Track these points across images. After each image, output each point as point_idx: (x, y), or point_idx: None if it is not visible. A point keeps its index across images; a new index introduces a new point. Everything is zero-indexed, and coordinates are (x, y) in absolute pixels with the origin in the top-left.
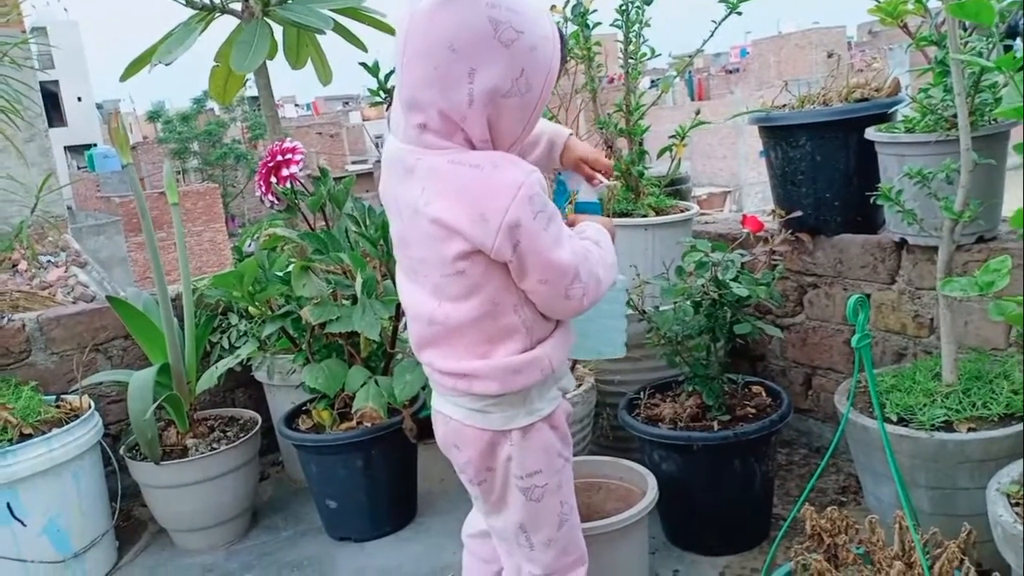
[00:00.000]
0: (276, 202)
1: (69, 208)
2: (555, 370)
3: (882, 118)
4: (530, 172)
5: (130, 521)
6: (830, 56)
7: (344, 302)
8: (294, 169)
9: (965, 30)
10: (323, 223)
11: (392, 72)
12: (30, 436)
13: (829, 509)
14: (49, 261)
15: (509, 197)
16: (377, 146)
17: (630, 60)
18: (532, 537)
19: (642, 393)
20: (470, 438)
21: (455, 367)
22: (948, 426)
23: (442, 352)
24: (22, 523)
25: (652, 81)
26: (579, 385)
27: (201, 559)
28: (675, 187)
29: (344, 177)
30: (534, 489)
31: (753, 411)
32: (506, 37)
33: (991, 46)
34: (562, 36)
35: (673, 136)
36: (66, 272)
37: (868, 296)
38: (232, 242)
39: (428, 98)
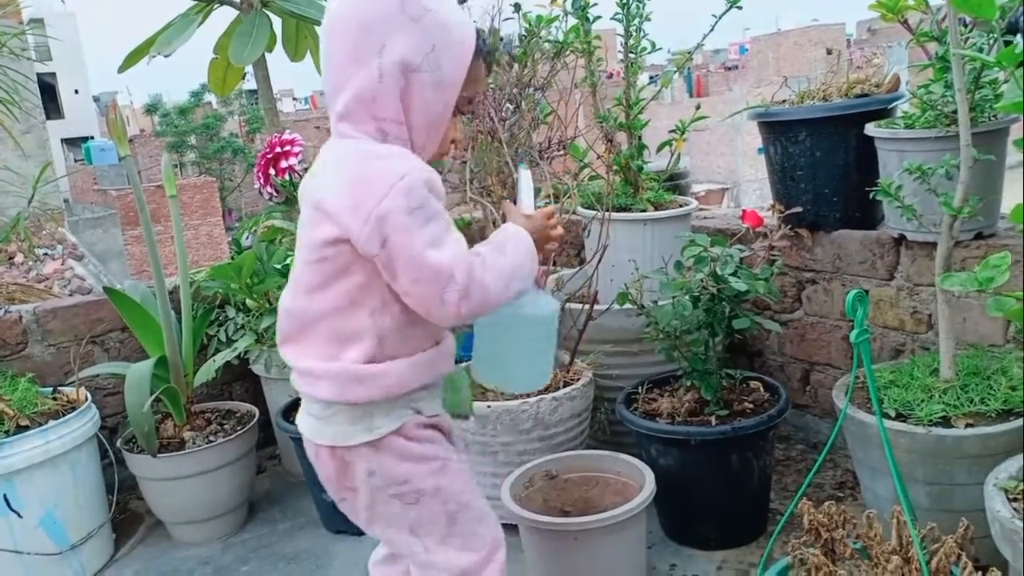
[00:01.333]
0: (275, 194)
1: (66, 201)
2: (403, 394)
3: (882, 114)
4: (419, 168)
5: (127, 514)
6: (829, 53)
7: None
8: (293, 161)
9: (966, 26)
10: None
11: None
12: (27, 428)
13: (826, 504)
14: (46, 254)
15: (386, 187)
16: None
17: (630, 54)
18: (424, 540)
19: (640, 388)
20: (323, 457)
21: (304, 365)
22: (946, 422)
23: (297, 349)
24: (19, 515)
25: (650, 77)
26: (577, 379)
27: (198, 552)
28: (674, 182)
29: None
30: (408, 495)
31: (751, 406)
32: (414, 12)
33: (992, 42)
34: (481, 35)
35: (673, 131)
36: (63, 265)
37: (866, 292)
38: (229, 236)
39: (343, 81)
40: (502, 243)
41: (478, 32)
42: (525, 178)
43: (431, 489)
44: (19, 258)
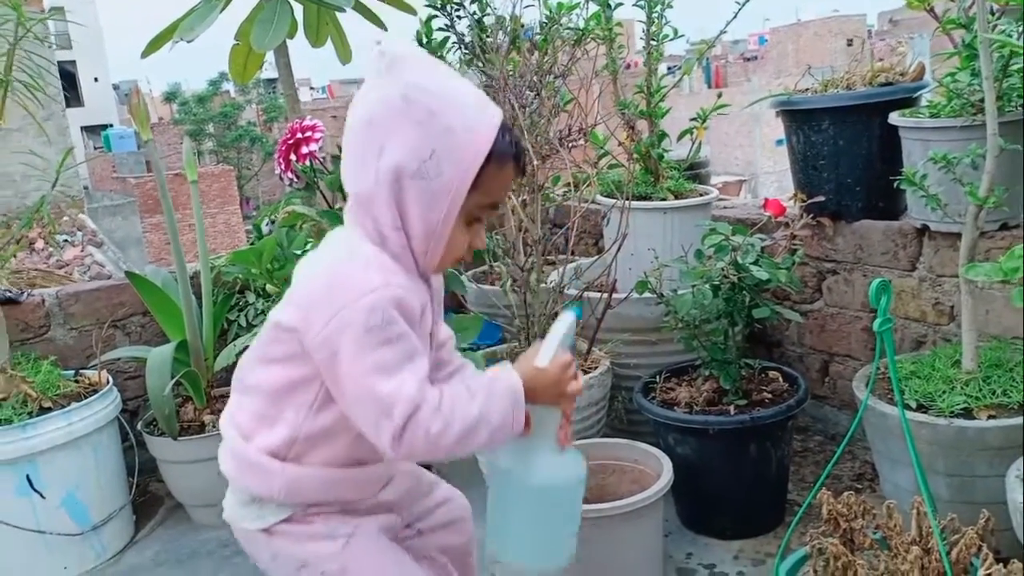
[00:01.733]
0: (295, 180)
1: (85, 188)
2: (292, 503)
3: (906, 103)
4: (393, 285)
5: (147, 496)
6: (850, 44)
7: None
8: (314, 147)
9: (993, 14)
10: (342, 203)
11: None
12: (49, 410)
13: (846, 494)
14: (66, 240)
15: (352, 297)
16: None
17: (652, 41)
18: None
19: (658, 377)
20: (237, 533)
21: (224, 427)
22: (967, 413)
23: (231, 406)
24: (41, 495)
25: (669, 68)
26: (595, 368)
27: (217, 534)
28: (694, 171)
29: None
30: None
31: (770, 396)
32: (417, 115)
33: (1021, 29)
34: (519, 145)
35: (694, 119)
36: (82, 251)
37: (889, 281)
38: (247, 225)
39: (350, 178)
40: (477, 389)
41: (501, 134)
42: (563, 323)
43: (336, 570)
44: (39, 244)
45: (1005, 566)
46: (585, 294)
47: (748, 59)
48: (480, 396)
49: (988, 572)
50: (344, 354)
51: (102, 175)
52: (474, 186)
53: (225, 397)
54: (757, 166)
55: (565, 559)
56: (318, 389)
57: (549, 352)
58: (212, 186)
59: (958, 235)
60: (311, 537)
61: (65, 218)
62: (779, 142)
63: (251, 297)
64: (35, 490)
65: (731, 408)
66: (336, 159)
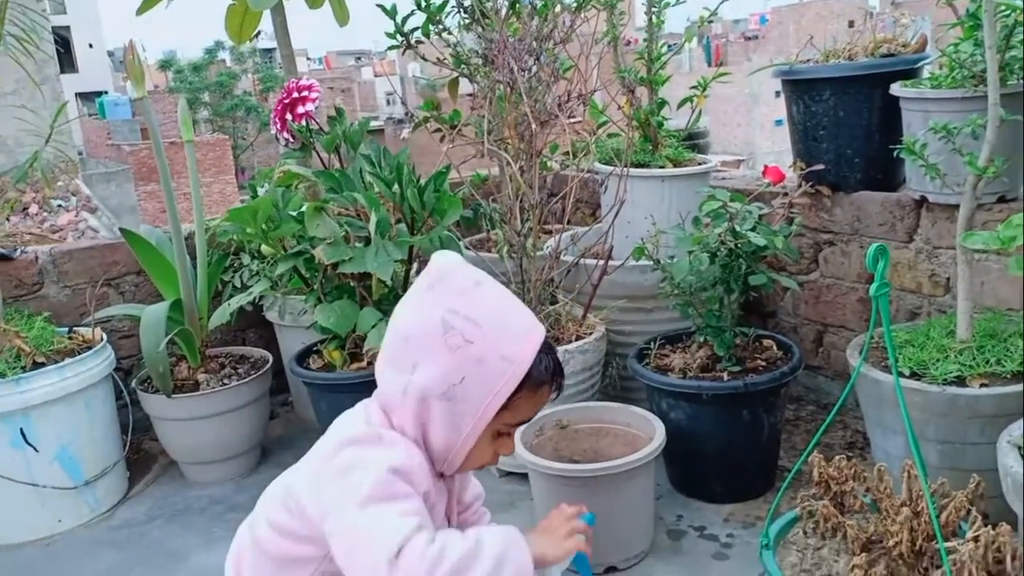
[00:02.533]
0: (291, 140)
1: (80, 154)
2: None
3: (908, 75)
4: (397, 456)
5: (140, 454)
6: (851, 26)
7: (357, 244)
8: (310, 107)
9: None
10: (337, 164)
11: (410, 14)
12: (43, 365)
13: (837, 458)
14: (60, 205)
15: (369, 462)
16: (388, 102)
17: (653, 8)
18: None
19: (652, 344)
20: None
21: (231, 567)
22: (960, 381)
23: (242, 552)
24: (35, 449)
25: (668, 45)
26: (590, 333)
27: (210, 491)
28: (693, 141)
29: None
30: None
31: (763, 363)
32: (453, 342)
33: None
34: (556, 368)
35: (694, 87)
36: (77, 217)
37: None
38: (242, 195)
39: (380, 375)
40: (479, 545)
41: (539, 360)
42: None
43: None
44: (33, 209)
45: (994, 529)
46: (581, 261)
47: (749, 38)
48: (485, 556)
49: (976, 534)
50: (337, 508)
51: (97, 142)
52: (504, 407)
53: (219, 357)
54: (756, 146)
55: None
56: (318, 568)
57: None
58: (207, 155)
59: (956, 207)
60: None
61: (59, 183)
62: (778, 122)
63: (245, 259)
64: (29, 444)
65: (725, 374)
66: (332, 119)
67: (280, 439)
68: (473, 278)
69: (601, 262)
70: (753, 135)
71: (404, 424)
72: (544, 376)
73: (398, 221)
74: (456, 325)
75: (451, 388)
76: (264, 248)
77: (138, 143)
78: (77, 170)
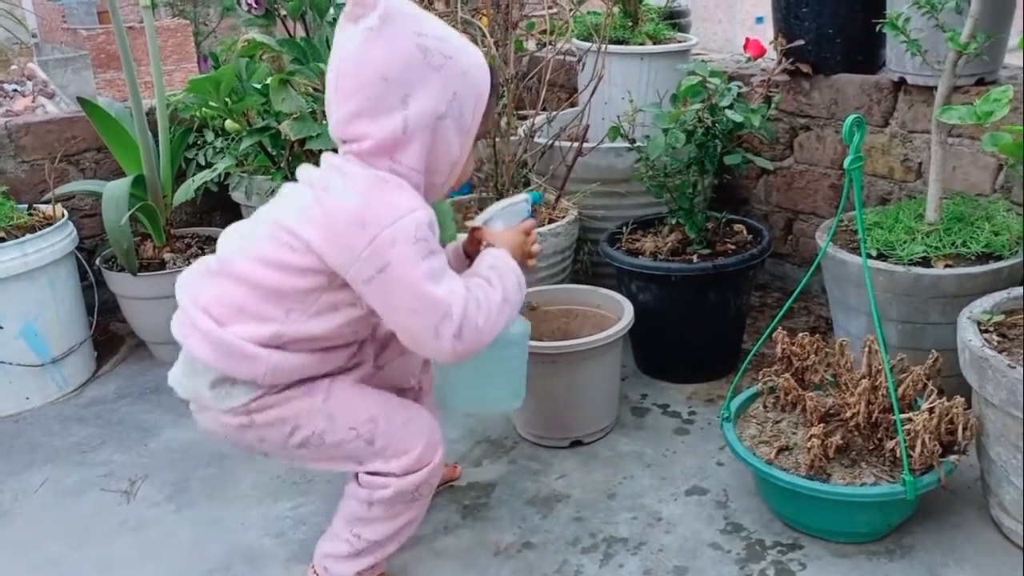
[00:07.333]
0: (254, 6)
1: (33, 36)
2: (267, 384)
3: None
4: (425, 208)
5: (108, 335)
6: None
7: (324, 121)
8: None
9: None
10: (303, 33)
11: None
12: (3, 240)
13: (800, 335)
14: (15, 90)
15: (395, 216)
16: None
17: None
18: (348, 464)
19: (624, 228)
20: (208, 417)
21: (188, 306)
22: (926, 262)
23: (198, 286)
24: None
25: None
26: (562, 216)
27: None
28: (674, 20)
29: None
30: (309, 439)
31: (733, 247)
32: (436, 62)
33: None
34: (492, 69)
35: None
36: (33, 102)
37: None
38: None
39: (362, 130)
40: (489, 275)
41: (491, 72)
42: (514, 199)
43: (324, 425)
44: None
45: (948, 401)
46: (556, 143)
47: None
48: (495, 280)
49: (931, 406)
50: (395, 269)
51: (52, 26)
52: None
53: (184, 237)
54: (735, 44)
55: (517, 402)
56: (318, 298)
57: (486, 215)
58: (168, 41)
59: (933, 89)
60: (289, 400)
61: (13, 67)
62: (759, 20)
63: (209, 136)
64: None
65: (695, 257)
66: None
67: None
68: (416, 6)
69: (575, 144)
70: (734, 32)
71: (412, 160)
72: (495, 81)
73: None
74: (431, 47)
75: (448, 106)
76: (228, 124)
77: (95, 27)
78: (32, 53)
